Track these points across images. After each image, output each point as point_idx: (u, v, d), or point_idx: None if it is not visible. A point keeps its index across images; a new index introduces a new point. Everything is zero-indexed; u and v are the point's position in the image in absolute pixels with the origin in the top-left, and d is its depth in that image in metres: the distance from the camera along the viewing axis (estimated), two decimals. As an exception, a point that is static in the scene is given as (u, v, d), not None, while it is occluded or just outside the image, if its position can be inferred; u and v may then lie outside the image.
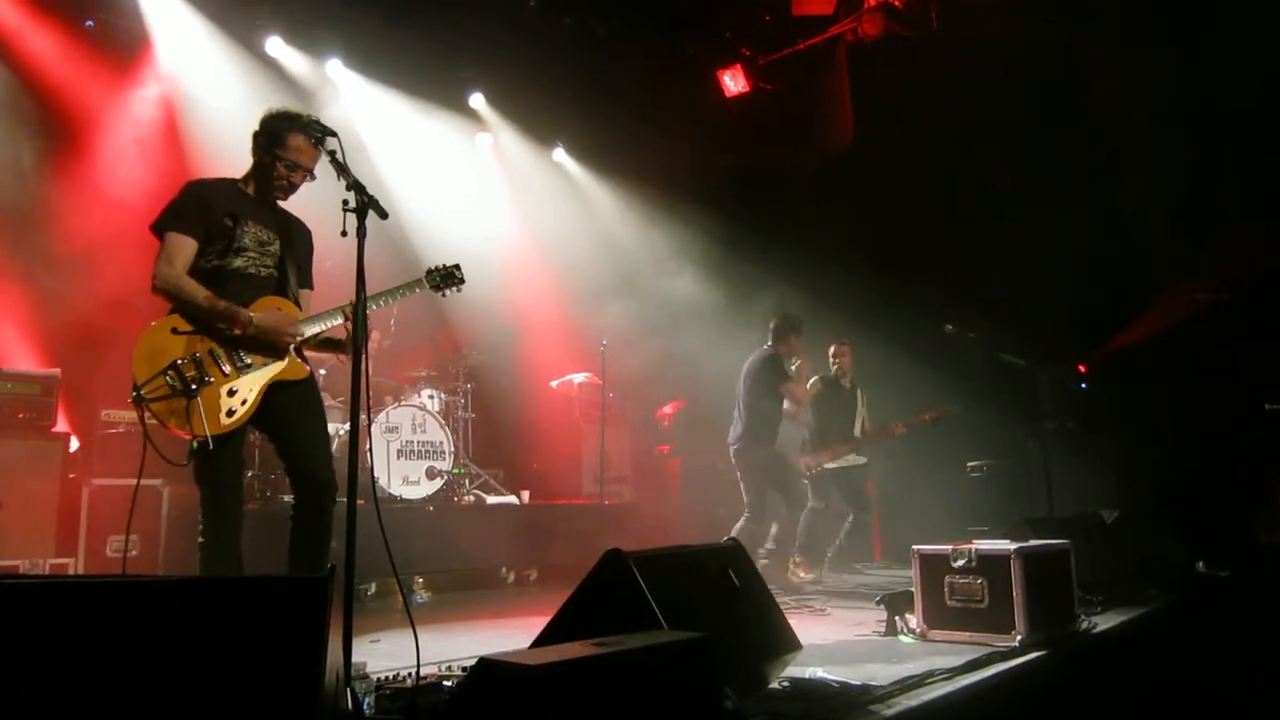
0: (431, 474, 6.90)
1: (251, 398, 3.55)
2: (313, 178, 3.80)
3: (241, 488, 3.76)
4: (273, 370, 3.63)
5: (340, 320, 3.72)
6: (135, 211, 5.84)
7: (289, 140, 3.70)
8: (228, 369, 3.52)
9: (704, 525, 8.02)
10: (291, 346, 3.68)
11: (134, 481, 5.65)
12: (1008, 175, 8.68)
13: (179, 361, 3.44)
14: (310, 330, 3.72)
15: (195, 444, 3.42)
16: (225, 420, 3.48)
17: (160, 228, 3.60)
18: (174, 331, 3.49)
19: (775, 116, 9.50)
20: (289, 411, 3.66)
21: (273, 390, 3.60)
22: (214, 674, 2.02)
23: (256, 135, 3.77)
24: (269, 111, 3.80)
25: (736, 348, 9.17)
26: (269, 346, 3.61)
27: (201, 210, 3.62)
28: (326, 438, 3.81)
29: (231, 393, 3.51)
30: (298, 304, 3.81)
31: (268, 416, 3.61)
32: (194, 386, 3.42)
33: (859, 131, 9.10)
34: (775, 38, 9.11)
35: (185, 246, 3.57)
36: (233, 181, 3.81)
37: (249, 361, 3.57)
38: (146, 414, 3.38)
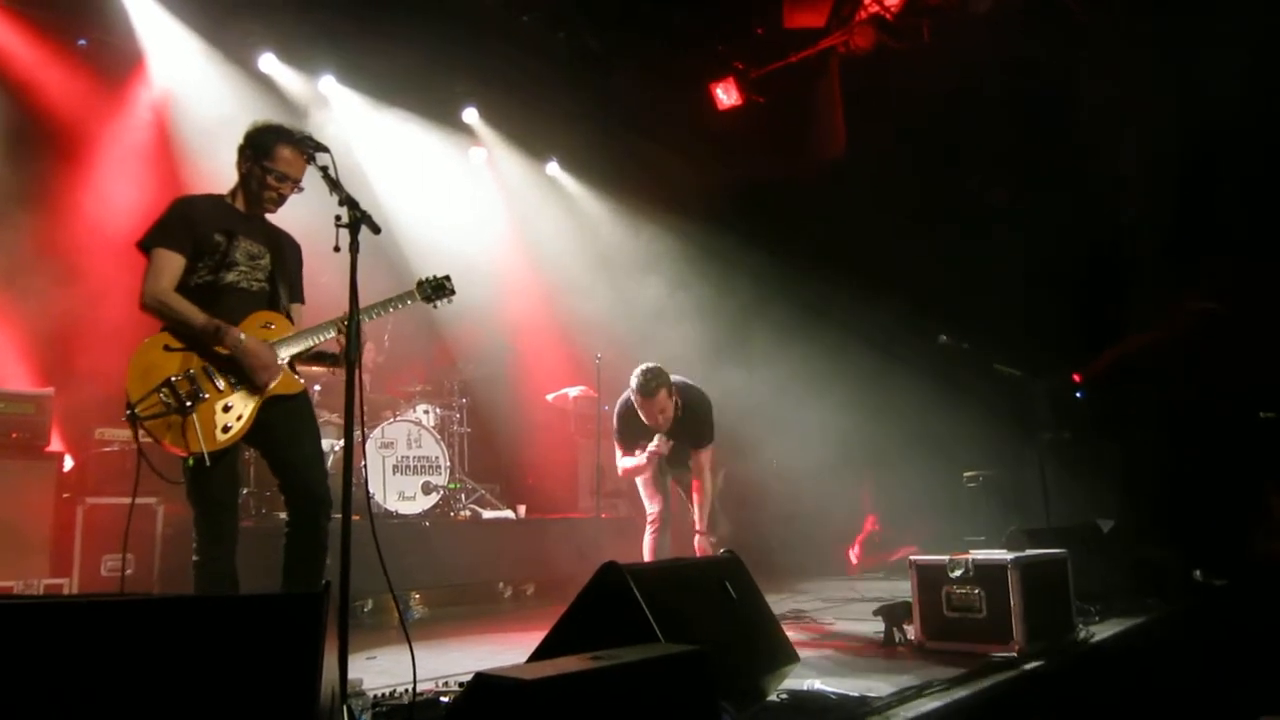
0: (427, 489, 6.88)
1: (247, 413, 3.53)
2: (300, 189, 3.80)
3: (236, 506, 3.73)
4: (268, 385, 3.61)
5: (333, 334, 3.70)
6: (129, 229, 5.84)
7: (277, 151, 3.69)
8: (222, 385, 3.50)
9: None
10: (269, 386, 3.59)
11: (126, 500, 5.71)
12: (1001, 187, 8.71)
13: (173, 378, 3.41)
14: (298, 348, 3.70)
15: (191, 461, 3.40)
16: (221, 436, 3.46)
17: (147, 245, 3.58)
18: (166, 348, 3.48)
19: (767, 129, 9.53)
20: (283, 427, 3.64)
21: (267, 405, 3.58)
22: (209, 692, 2.00)
23: (242, 149, 3.76)
24: (254, 124, 3.79)
25: (729, 361, 9.20)
26: (246, 376, 3.54)
27: (188, 226, 3.60)
28: (321, 453, 3.80)
29: (227, 408, 3.49)
30: (289, 318, 3.80)
31: (261, 431, 3.58)
32: (189, 403, 3.40)
33: (850, 143, 9.14)
34: (767, 51, 9.15)
35: (172, 263, 3.55)
36: (220, 197, 3.79)
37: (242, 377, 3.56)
38: (141, 432, 3.36)
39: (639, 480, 5.73)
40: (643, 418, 5.41)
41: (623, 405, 5.61)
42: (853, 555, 9.13)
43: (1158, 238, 8.60)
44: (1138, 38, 7.95)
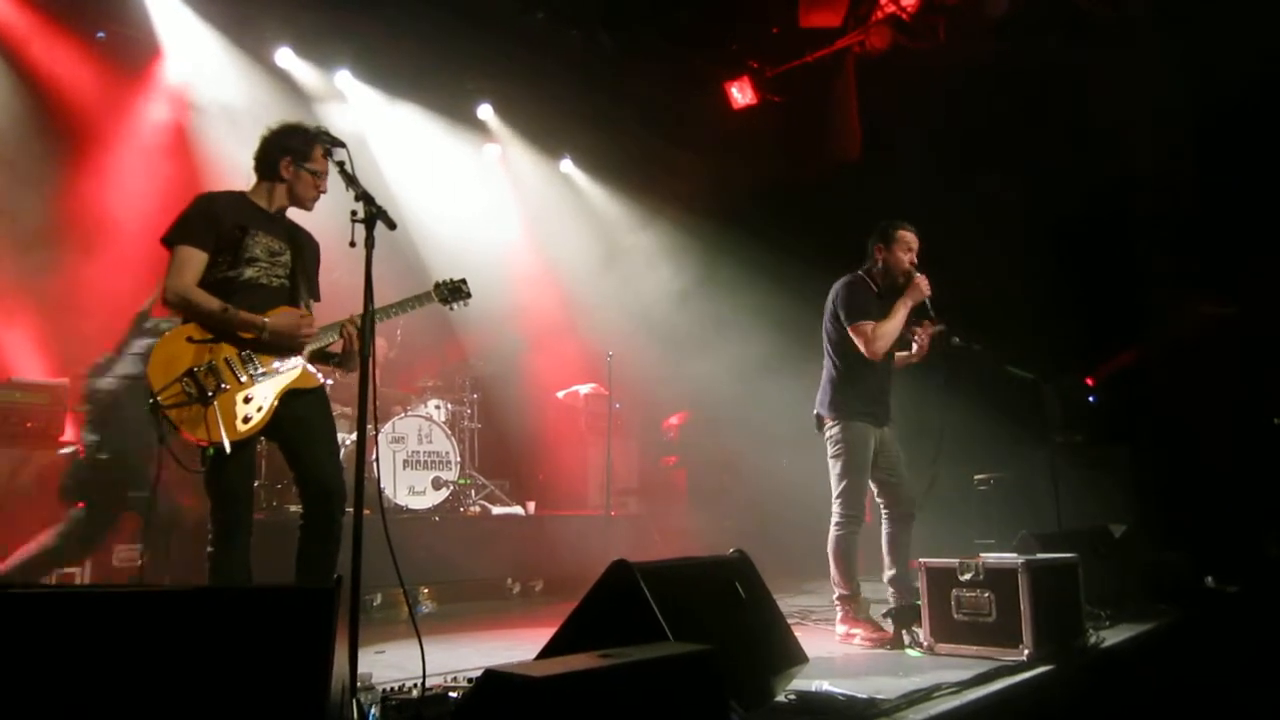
0: (437, 484, 6.90)
1: (267, 405, 3.56)
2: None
3: (251, 497, 3.76)
4: (287, 378, 3.65)
5: (336, 336, 3.75)
6: (146, 221, 5.89)
7: (314, 152, 3.78)
8: (243, 376, 3.54)
9: (710, 537, 7.99)
10: (307, 349, 3.70)
11: (139, 492, 5.76)
12: (1014, 187, 8.67)
13: (195, 369, 3.45)
14: (318, 344, 3.75)
15: (211, 451, 3.43)
16: (241, 427, 3.49)
17: (170, 240, 3.62)
18: (189, 340, 3.52)
19: (783, 129, 9.51)
20: (299, 420, 3.67)
21: (285, 399, 3.62)
22: (220, 684, 2.01)
23: (271, 149, 3.80)
24: (286, 125, 3.84)
25: (740, 358, 9.19)
26: (284, 350, 3.63)
27: (211, 222, 3.64)
28: (336, 448, 3.82)
29: (247, 399, 3.53)
30: (309, 313, 3.83)
31: (278, 425, 3.62)
32: (210, 394, 3.44)
33: (865, 143, 9.10)
34: (783, 50, 9.12)
35: (195, 258, 3.58)
36: (241, 194, 3.83)
37: (263, 369, 3.59)
38: (163, 421, 3.39)
39: (851, 473, 4.86)
40: (902, 262, 5.01)
41: (849, 282, 5.07)
42: None
43: (1174, 239, 8.55)
44: (1154, 36, 7.89)
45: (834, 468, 4.92)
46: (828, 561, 4.89)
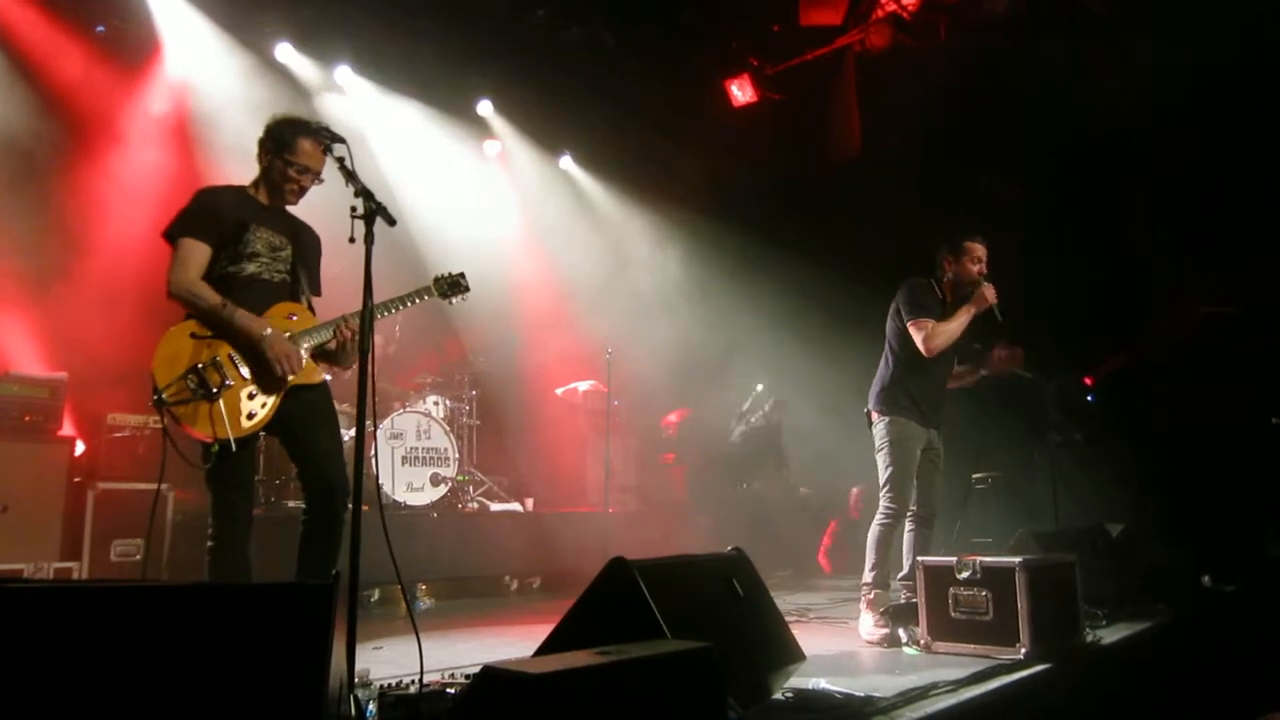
0: (436, 480, 6.90)
1: (271, 401, 3.55)
2: (320, 181, 3.82)
3: (252, 492, 3.75)
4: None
5: (330, 335, 3.71)
6: (145, 215, 5.89)
7: (298, 144, 3.72)
8: (247, 373, 3.52)
9: (708, 534, 8.00)
10: (288, 378, 3.59)
11: (138, 485, 5.78)
12: (1014, 185, 8.67)
13: (200, 365, 3.44)
14: (320, 339, 3.72)
15: (216, 447, 3.42)
16: (246, 423, 3.48)
17: (173, 234, 3.61)
18: (193, 336, 3.50)
19: (782, 127, 9.51)
20: (303, 417, 3.66)
21: (289, 395, 3.61)
22: (217, 680, 2.02)
23: (263, 141, 3.79)
24: (275, 117, 3.82)
25: (740, 355, 9.19)
26: (268, 369, 3.55)
27: (213, 217, 3.63)
28: (339, 444, 3.80)
29: (251, 396, 3.52)
30: (310, 308, 3.82)
31: (282, 421, 3.60)
32: (215, 390, 3.43)
33: (865, 141, 9.10)
34: (783, 48, 9.13)
35: (198, 252, 3.57)
36: (242, 188, 3.82)
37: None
38: (167, 417, 3.38)
39: (896, 466, 4.89)
40: (971, 272, 5.01)
41: (914, 282, 5.07)
42: (824, 563, 8.96)
43: (1173, 238, 8.56)
44: (1154, 33, 7.89)
45: (880, 462, 4.98)
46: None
